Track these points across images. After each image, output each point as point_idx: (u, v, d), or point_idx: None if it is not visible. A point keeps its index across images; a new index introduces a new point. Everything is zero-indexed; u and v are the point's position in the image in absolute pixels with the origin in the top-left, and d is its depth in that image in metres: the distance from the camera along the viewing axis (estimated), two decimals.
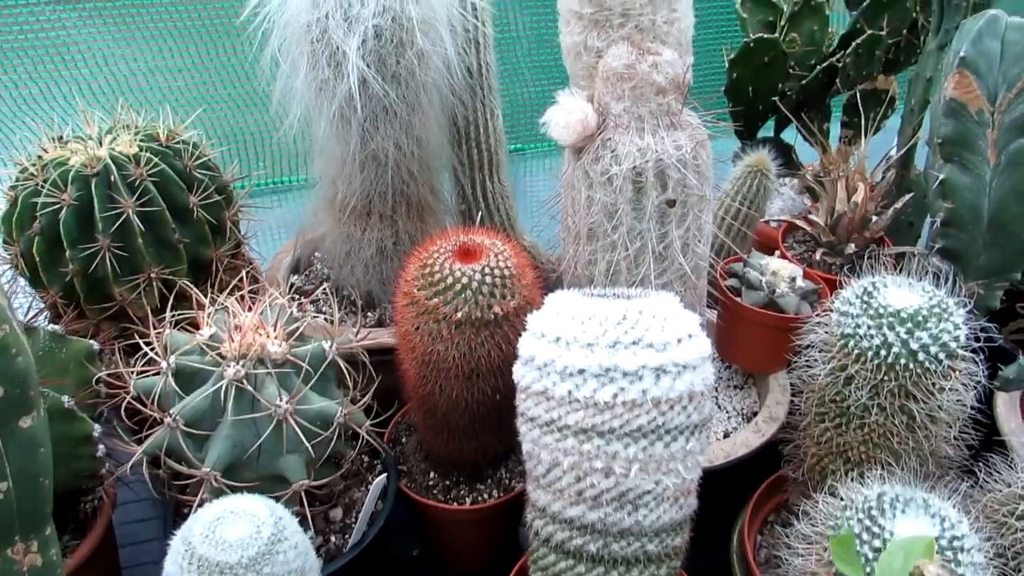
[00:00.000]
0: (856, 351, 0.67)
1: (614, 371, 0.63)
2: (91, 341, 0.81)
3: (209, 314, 0.76)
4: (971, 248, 0.84)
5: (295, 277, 1.09)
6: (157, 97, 1.11)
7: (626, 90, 0.73)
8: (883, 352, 0.65)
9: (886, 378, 0.66)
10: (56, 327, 0.79)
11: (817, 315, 0.77)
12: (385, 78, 0.81)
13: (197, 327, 0.76)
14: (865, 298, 0.68)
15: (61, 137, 0.92)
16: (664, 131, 0.74)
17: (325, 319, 1.01)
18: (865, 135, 1.07)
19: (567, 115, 0.73)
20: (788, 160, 1.14)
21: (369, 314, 1.02)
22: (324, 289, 1.05)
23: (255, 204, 1.03)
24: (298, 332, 0.78)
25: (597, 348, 0.63)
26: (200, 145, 0.95)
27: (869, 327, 0.66)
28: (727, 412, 0.94)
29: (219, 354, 0.72)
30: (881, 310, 0.66)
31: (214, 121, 1.15)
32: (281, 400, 0.72)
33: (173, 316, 0.78)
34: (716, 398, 0.96)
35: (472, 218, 1.02)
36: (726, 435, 0.90)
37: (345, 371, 0.79)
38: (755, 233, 1.04)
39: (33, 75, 1.07)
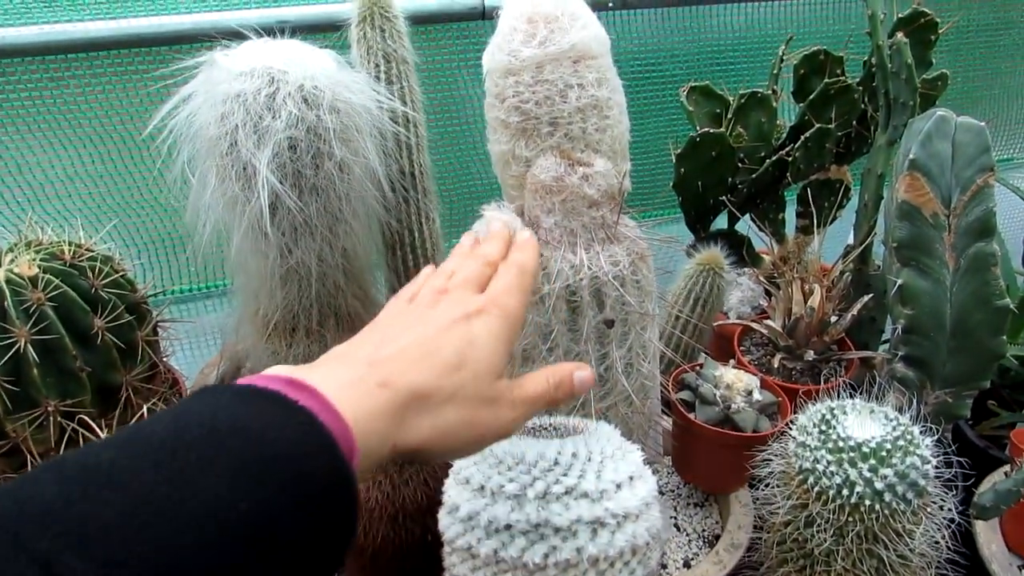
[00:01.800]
0: (816, 489, 0.60)
1: (544, 527, 0.55)
2: None
3: None
4: (936, 355, 0.79)
5: None
6: (76, 205, 1.05)
7: (556, 203, 0.68)
8: (845, 492, 0.59)
9: (850, 519, 0.59)
10: None
11: (776, 435, 0.71)
12: (302, 191, 0.76)
13: None
14: (823, 427, 0.62)
15: None
16: (599, 246, 0.68)
17: None
18: (820, 227, 1.03)
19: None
20: (742, 252, 1.10)
21: None
22: None
23: (177, 318, 0.96)
24: None
25: (525, 500, 0.56)
26: (111, 260, 0.88)
27: (829, 463, 0.60)
28: (687, 535, 0.86)
29: None
30: (841, 443, 0.60)
31: (138, 228, 1.08)
32: None
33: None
34: (675, 518, 0.88)
35: None
36: (686, 564, 0.82)
37: None
38: (713, 330, 0.98)
39: None
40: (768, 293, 1.16)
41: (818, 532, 0.60)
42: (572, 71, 0.69)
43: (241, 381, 0.38)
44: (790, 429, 0.68)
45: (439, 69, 1.14)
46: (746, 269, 1.15)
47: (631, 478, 0.59)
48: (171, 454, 0.31)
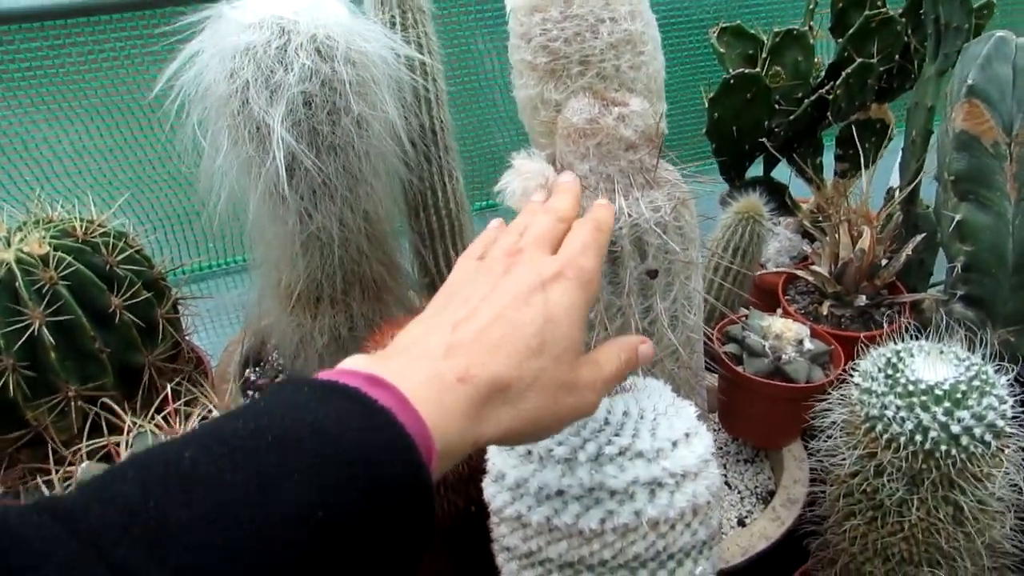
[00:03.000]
0: (886, 437, 0.56)
1: (599, 491, 0.52)
2: None
3: (128, 441, 0.65)
4: (997, 293, 0.74)
5: (249, 371, 0.98)
6: (87, 181, 1.01)
7: (591, 148, 0.63)
8: (919, 438, 0.54)
9: (925, 467, 0.55)
10: None
11: (832, 385, 0.67)
12: (319, 150, 0.71)
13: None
14: (890, 371, 0.58)
15: None
16: (638, 191, 0.64)
17: None
18: (866, 168, 0.98)
19: (524, 181, 0.63)
20: (782, 200, 1.05)
21: None
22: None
23: (197, 295, 0.93)
24: None
25: (576, 463, 0.52)
26: (125, 235, 0.85)
27: (899, 408, 0.56)
28: (739, 492, 0.82)
29: None
30: (911, 387, 0.56)
31: (152, 203, 1.05)
32: None
33: (88, 445, 0.67)
34: (725, 475, 0.85)
35: (436, 291, 0.91)
36: (740, 522, 0.79)
37: None
38: (753, 282, 0.94)
39: None
40: (808, 236, 1.11)
41: (889, 482, 0.56)
42: (603, 4, 0.64)
43: (321, 375, 0.36)
44: (850, 376, 0.64)
45: (454, 22, 1.09)
46: (783, 218, 1.10)
47: (687, 435, 0.55)
48: (250, 455, 0.31)
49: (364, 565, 0.32)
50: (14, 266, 0.75)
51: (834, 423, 0.61)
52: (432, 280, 0.92)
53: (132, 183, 1.03)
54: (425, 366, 0.38)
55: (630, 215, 0.63)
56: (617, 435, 0.53)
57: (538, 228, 0.48)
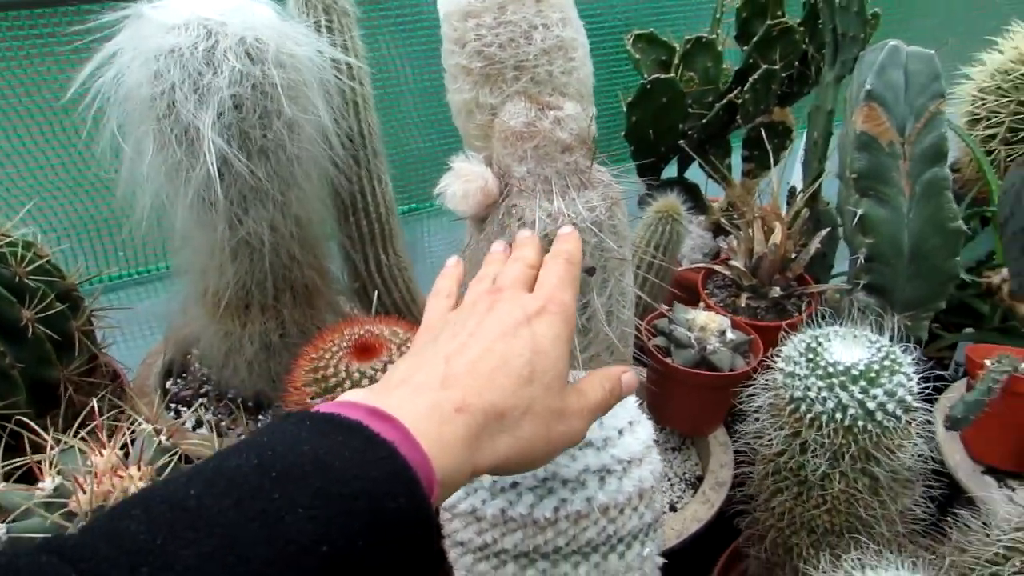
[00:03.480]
0: (810, 416, 0.61)
1: (552, 480, 0.54)
2: None
3: (51, 459, 0.62)
4: (895, 281, 0.81)
5: (170, 382, 0.94)
6: None
7: (528, 150, 0.65)
8: (839, 415, 0.59)
9: (844, 442, 0.60)
10: None
11: (755, 371, 0.72)
12: (250, 155, 0.70)
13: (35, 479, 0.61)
14: (810, 355, 0.63)
15: None
16: (574, 192, 0.66)
17: (208, 427, 0.87)
18: (773, 166, 1.05)
19: (464, 183, 0.64)
20: (695, 200, 1.10)
21: (260, 418, 0.89)
22: (204, 394, 0.91)
23: (112, 305, 0.89)
24: (172, 465, 0.65)
25: None
26: (33, 245, 0.80)
27: (820, 389, 0.60)
28: (668, 479, 0.86)
29: (67, 512, 0.58)
30: (830, 368, 0.61)
31: (58, 211, 1.00)
32: None
33: (5, 465, 0.63)
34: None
35: (368, 295, 0.91)
36: (672, 508, 0.83)
37: None
38: (673, 277, 0.98)
39: None
40: (719, 233, 1.17)
41: (813, 458, 0.61)
42: (535, 11, 0.66)
43: (323, 408, 0.37)
44: (772, 362, 0.68)
45: (374, 26, 1.09)
46: (696, 217, 1.16)
47: (631, 423, 0.58)
48: (254, 492, 0.31)
49: None
50: None
51: (760, 407, 0.65)
52: (363, 284, 0.91)
53: (35, 190, 0.97)
54: (424, 398, 0.39)
55: (568, 215, 0.65)
56: None
57: (513, 272, 0.50)
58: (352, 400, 0.38)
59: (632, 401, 0.59)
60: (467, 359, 0.42)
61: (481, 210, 0.66)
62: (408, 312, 0.95)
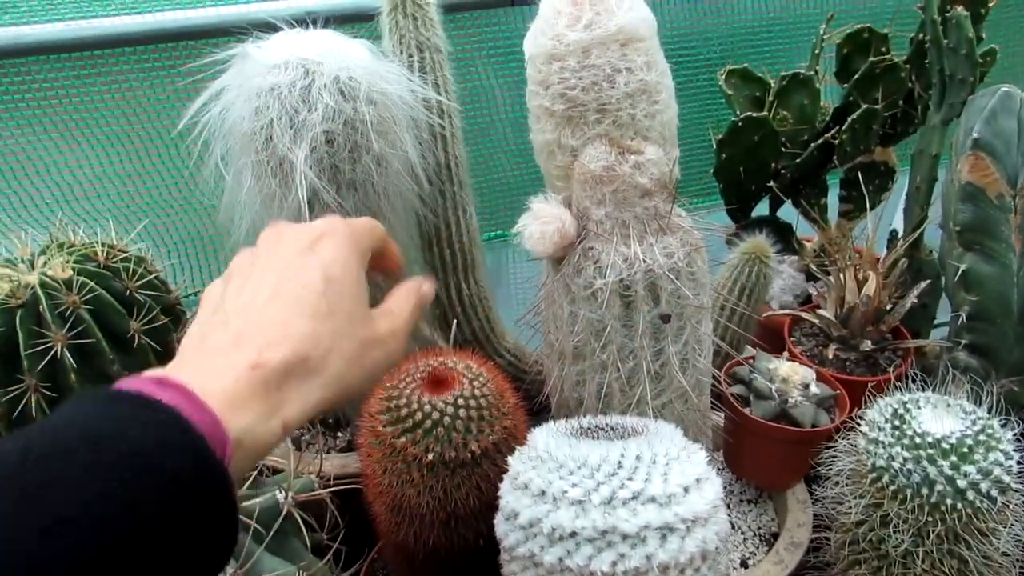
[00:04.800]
0: (893, 488, 0.57)
1: (611, 534, 0.53)
2: None
3: None
4: (1002, 343, 0.76)
5: None
6: (105, 204, 1.03)
7: (607, 194, 0.65)
8: (925, 491, 0.56)
9: (931, 520, 0.56)
10: None
11: (838, 430, 0.68)
12: (339, 187, 0.73)
13: None
14: (896, 422, 0.59)
15: None
16: (652, 237, 0.65)
17: (290, 445, 0.91)
18: (870, 209, 1.00)
19: (542, 225, 0.65)
20: (786, 240, 1.06)
21: (339, 435, 0.92)
22: None
23: None
24: (249, 480, 0.68)
25: (590, 506, 0.53)
26: (144, 261, 0.86)
27: (906, 460, 0.57)
28: (742, 532, 0.83)
29: None
30: (918, 439, 0.57)
31: (167, 227, 1.07)
32: (227, 571, 0.61)
33: None
34: (729, 515, 0.85)
35: (448, 322, 0.93)
36: (743, 564, 0.79)
37: (306, 520, 0.69)
38: (758, 322, 0.95)
39: None
40: (810, 279, 1.13)
41: (895, 532, 0.57)
42: (620, 55, 0.66)
43: (117, 384, 0.36)
44: (858, 424, 0.65)
45: (465, 59, 1.12)
46: (787, 256, 1.12)
47: (698, 480, 0.56)
48: (12, 473, 0.30)
49: (160, 561, 0.31)
50: (38, 290, 0.76)
51: (840, 471, 0.62)
52: (444, 312, 0.93)
53: (149, 207, 1.04)
54: (217, 362, 0.38)
55: (644, 261, 0.64)
56: (630, 479, 0.54)
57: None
58: (144, 374, 0.37)
59: (702, 456, 0.58)
60: (257, 308, 0.40)
61: (558, 251, 0.67)
62: (487, 341, 0.96)
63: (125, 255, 0.85)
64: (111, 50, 0.95)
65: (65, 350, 0.76)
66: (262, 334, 0.39)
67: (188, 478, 0.33)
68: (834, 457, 0.63)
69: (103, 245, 0.85)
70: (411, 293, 0.50)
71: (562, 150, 0.69)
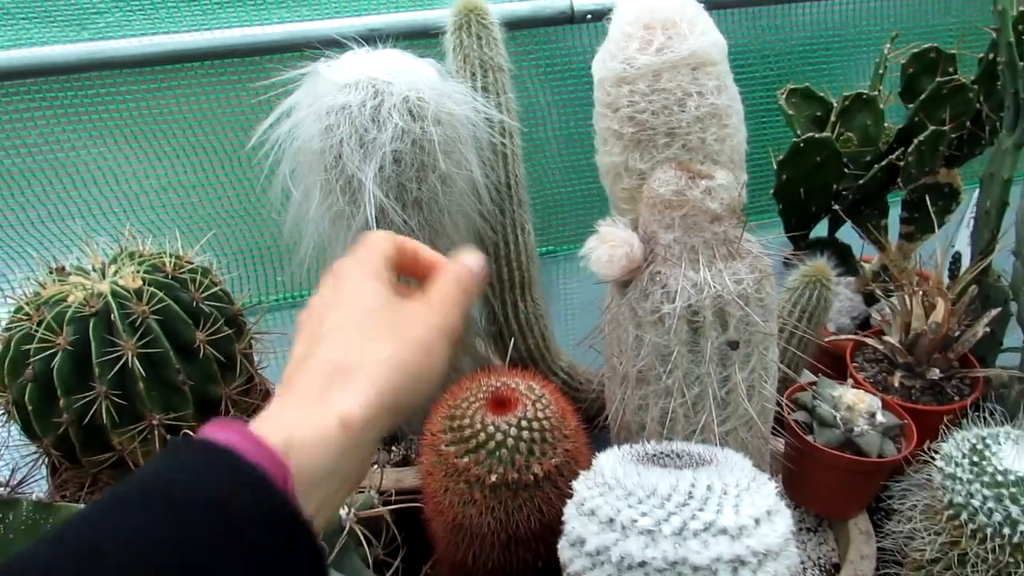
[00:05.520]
0: (972, 527, 0.56)
1: (682, 565, 0.52)
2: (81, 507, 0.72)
3: None
4: None
5: None
6: (169, 215, 1.06)
7: (676, 219, 0.65)
8: (1007, 531, 0.54)
9: (1012, 561, 0.55)
10: (41, 495, 0.71)
11: (906, 461, 0.67)
12: (405, 205, 0.74)
13: None
14: (975, 458, 0.58)
15: (63, 268, 0.86)
16: (721, 263, 0.65)
17: None
18: (933, 231, 0.98)
19: (610, 248, 0.65)
20: (846, 261, 1.05)
21: (394, 449, 0.93)
22: None
23: (270, 330, 0.96)
24: None
25: (660, 536, 0.53)
26: (210, 272, 0.88)
27: (986, 498, 0.55)
28: (802, 563, 0.82)
29: None
30: (999, 476, 0.56)
31: (228, 238, 1.09)
32: None
33: None
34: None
35: (504, 340, 0.93)
36: None
37: (365, 535, 0.70)
38: (818, 344, 0.94)
39: (42, 197, 1.02)
40: (868, 301, 1.11)
41: (973, 572, 0.56)
42: (691, 79, 0.66)
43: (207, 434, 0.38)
44: (926, 454, 0.63)
45: (523, 75, 1.12)
46: (845, 278, 1.10)
47: (769, 512, 0.55)
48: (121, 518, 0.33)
49: None
50: (110, 299, 0.78)
51: (914, 505, 0.60)
52: (500, 329, 0.93)
53: (211, 219, 1.07)
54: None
55: (713, 286, 0.64)
56: (701, 510, 0.54)
57: None
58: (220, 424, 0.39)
59: (771, 488, 0.57)
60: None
61: (625, 275, 0.67)
62: (542, 359, 0.96)
63: (192, 266, 0.87)
64: (181, 65, 0.97)
65: (135, 358, 0.78)
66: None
67: (257, 514, 0.34)
68: (906, 490, 0.62)
69: (170, 256, 0.87)
70: (448, 283, 0.50)
71: (629, 173, 0.69)
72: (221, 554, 0.33)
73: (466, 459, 0.66)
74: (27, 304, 0.80)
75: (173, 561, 0.32)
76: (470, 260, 0.52)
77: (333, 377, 0.41)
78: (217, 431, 0.37)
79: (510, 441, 0.65)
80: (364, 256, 0.49)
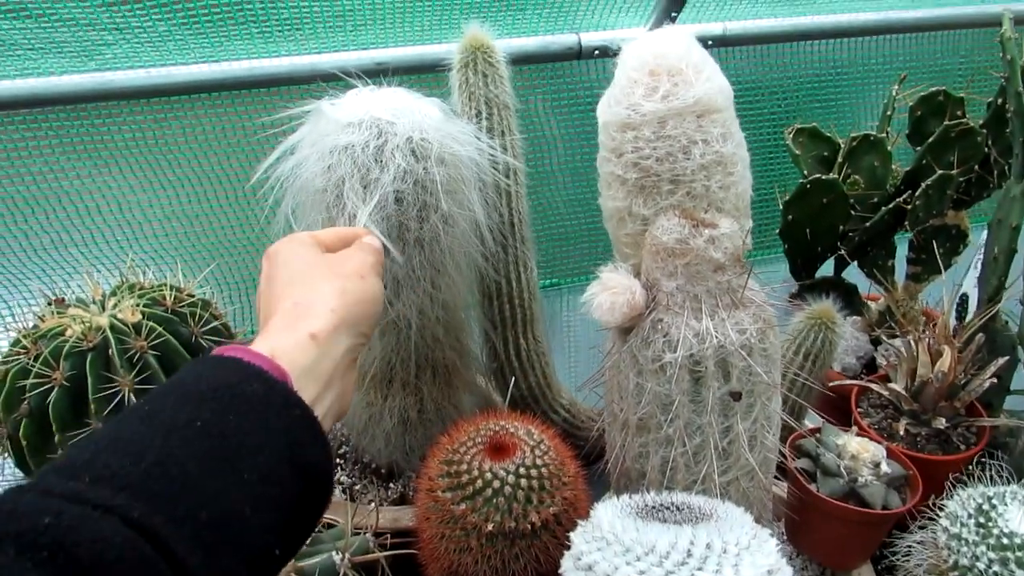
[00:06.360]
0: None
1: None
2: None
3: None
4: None
5: None
6: (172, 244, 1.06)
7: (679, 267, 0.64)
8: None
9: None
10: None
11: (910, 513, 0.66)
12: (406, 244, 0.74)
13: None
14: (981, 519, 0.57)
15: (62, 300, 0.85)
16: (724, 312, 0.64)
17: (342, 490, 0.91)
18: (934, 274, 0.97)
19: (612, 296, 0.64)
20: (851, 301, 1.04)
21: (391, 486, 0.92)
22: (341, 455, 0.96)
23: None
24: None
25: None
26: (210, 305, 0.88)
27: (991, 561, 0.54)
28: None
29: None
30: (1004, 539, 0.54)
31: (231, 268, 1.09)
32: None
33: None
34: None
35: (505, 377, 0.92)
36: None
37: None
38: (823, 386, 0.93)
39: (45, 225, 1.02)
40: (874, 343, 1.09)
41: None
42: (696, 126, 0.65)
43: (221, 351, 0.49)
44: (934, 510, 0.62)
45: (529, 109, 1.12)
46: (850, 317, 1.09)
47: (769, 572, 0.54)
48: (151, 406, 0.44)
49: (256, 455, 0.43)
50: (109, 333, 0.78)
51: (919, 564, 0.59)
52: (501, 366, 0.92)
53: (213, 248, 1.07)
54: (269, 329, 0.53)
55: (716, 336, 0.63)
56: (700, 569, 0.52)
57: None
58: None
59: (773, 546, 0.56)
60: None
61: (626, 322, 0.66)
62: (543, 397, 0.95)
63: (192, 299, 0.87)
64: (187, 96, 0.97)
65: (131, 394, 0.77)
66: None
67: (263, 396, 0.46)
68: (910, 547, 0.60)
69: (171, 288, 0.86)
70: (364, 240, 0.64)
71: (633, 218, 0.68)
72: (240, 422, 0.43)
73: (463, 506, 0.65)
74: (25, 337, 0.80)
75: (212, 430, 0.42)
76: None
77: (296, 313, 0.52)
78: (223, 350, 0.48)
79: (508, 489, 0.64)
80: (288, 237, 0.61)
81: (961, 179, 0.97)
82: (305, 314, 0.52)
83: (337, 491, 0.91)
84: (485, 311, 0.90)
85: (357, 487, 0.92)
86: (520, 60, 1.02)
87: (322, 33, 0.98)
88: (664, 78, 0.65)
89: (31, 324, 0.83)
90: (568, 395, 0.98)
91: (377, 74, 0.80)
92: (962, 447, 0.81)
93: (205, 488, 0.40)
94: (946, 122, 0.95)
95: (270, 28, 0.95)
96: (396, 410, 0.86)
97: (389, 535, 0.75)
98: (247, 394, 0.45)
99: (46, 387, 0.76)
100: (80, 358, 0.77)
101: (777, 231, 0.99)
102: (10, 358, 0.79)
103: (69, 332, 0.78)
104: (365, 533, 0.72)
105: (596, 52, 1.08)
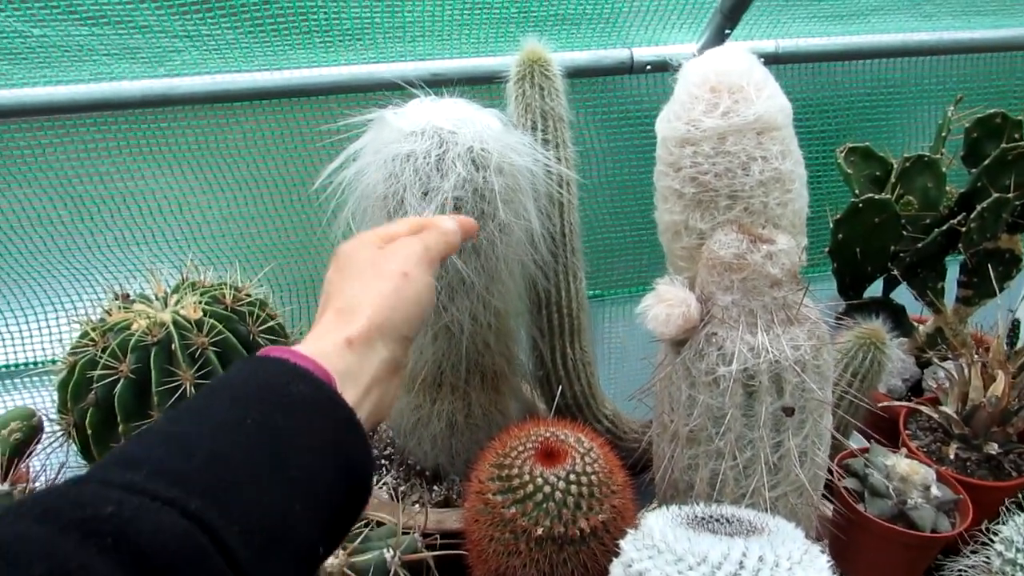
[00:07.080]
0: None
1: None
2: None
3: None
4: None
5: None
6: (229, 245, 1.09)
7: (735, 281, 0.65)
8: None
9: None
10: None
11: (961, 538, 0.65)
12: (463, 251, 0.75)
13: None
14: None
15: (127, 296, 0.89)
16: (780, 328, 0.65)
17: (388, 494, 0.92)
18: (996, 295, 0.96)
19: (668, 308, 0.65)
20: (900, 323, 1.03)
21: (435, 489, 0.93)
22: (387, 456, 0.97)
23: None
24: (360, 536, 0.69)
25: None
26: (267, 305, 0.90)
27: None
28: None
29: None
30: None
31: (285, 270, 1.12)
32: None
33: None
34: None
35: (551, 386, 0.93)
36: None
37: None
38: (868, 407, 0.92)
39: (110, 224, 1.06)
40: (920, 366, 1.08)
41: None
42: (756, 143, 0.66)
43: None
44: (984, 534, 0.62)
45: (580, 122, 1.14)
46: (897, 339, 1.08)
47: None
48: (203, 403, 0.46)
49: (301, 450, 0.44)
50: (172, 328, 0.81)
51: None
52: (547, 374, 0.93)
53: (269, 250, 1.09)
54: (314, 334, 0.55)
55: (770, 351, 0.63)
56: None
57: None
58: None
59: (823, 562, 0.56)
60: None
61: (680, 334, 0.67)
62: (587, 406, 0.96)
63: (250, 299, 0.89)
64: (249, 102, 1.00)
65: (192, 388, 0.80)
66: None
67: (310, 398, 0.47)
68: (962, 572, 0.60)
69: (230, 287, 0.89)
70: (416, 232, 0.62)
71: (689, 232, 0.69)
72: (288, 422, 0.44)
73: (513, 509, 0.66)
74: (93, 330, 0.83)
75: (260, 427, 0.43)
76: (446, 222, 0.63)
77: (339, 319, 0.54)
78: (270, 350, 0.49)
79: (558, 494, 0.65)
80: (355, 236, 0.62)
81: (1017, 203, 0.96)
82: (347, 318, 0.54)
83: (383, 492, 0.93)
84: (534, 319, 0.92)
85: (402, 488, 0.94)
86: (572, 74, 1.03)
87: (382, 44, 1.01)
88: (725, 94, 0.66)
89: (98, 318, 0.86)
90: (611, 405, 0.99)
91: (434, 84, 0.82)
92: (1014, 474, 0.80)
93: (255, 485, 0.41)
94: (1003, 145, 0.95)
95: (332, 38, 0.98)
96: (444, 414, 0.87)
97: (438, 538, 0.76)
98: (294, 395, 0.46)
99: (113, 378, 0.79)
100: (145, 352, 0.80)
101: (826, 249, 0.99)
102: (79, 350, 0.82)
103: (135, 326, 0.81)
104: (414, 533, 0.74)
105: (648, 67, 1.09)
